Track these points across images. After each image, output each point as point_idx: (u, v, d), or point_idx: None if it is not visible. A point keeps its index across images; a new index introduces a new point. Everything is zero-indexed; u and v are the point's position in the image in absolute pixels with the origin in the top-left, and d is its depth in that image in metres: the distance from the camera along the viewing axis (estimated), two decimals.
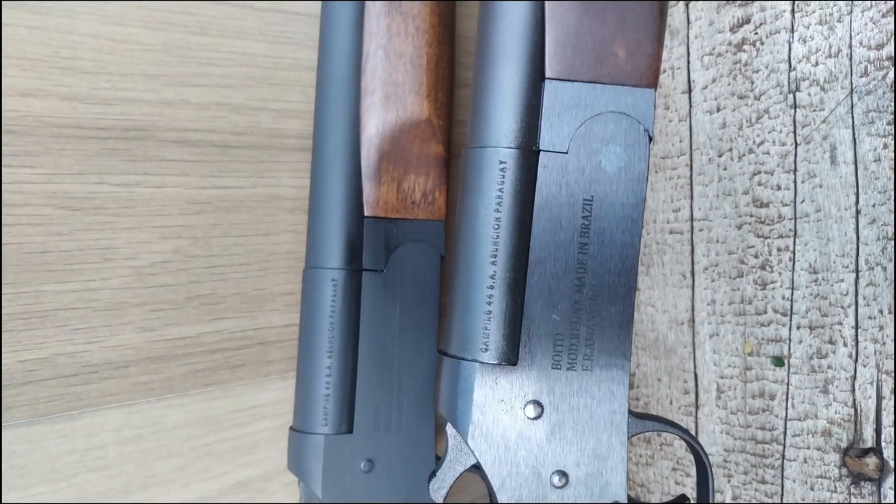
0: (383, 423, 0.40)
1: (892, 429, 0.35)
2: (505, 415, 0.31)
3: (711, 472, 0.34)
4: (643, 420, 0.32)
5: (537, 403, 0.31)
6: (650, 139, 0.30)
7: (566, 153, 0.30)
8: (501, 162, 0.30)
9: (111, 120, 0.37)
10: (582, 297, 0.31)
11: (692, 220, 0.43)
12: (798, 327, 0.38)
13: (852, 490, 0.37)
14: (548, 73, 0.30)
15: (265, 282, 0.42)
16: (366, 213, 0.40)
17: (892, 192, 0.34)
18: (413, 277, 0.41)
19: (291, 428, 0.40)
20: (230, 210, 0.41)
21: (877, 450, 0.36)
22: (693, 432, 0.43)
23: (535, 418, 0.31)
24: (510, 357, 0.31)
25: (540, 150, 0.30)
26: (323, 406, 0.39)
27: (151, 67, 0.38)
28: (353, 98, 0.40)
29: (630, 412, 0.32)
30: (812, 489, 0.38)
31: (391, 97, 0.40)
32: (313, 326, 0.39)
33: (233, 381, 0.41)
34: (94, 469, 0.37)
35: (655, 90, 0.30)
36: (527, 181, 0.31)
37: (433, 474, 0.33)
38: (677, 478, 0.43)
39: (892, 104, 0.34)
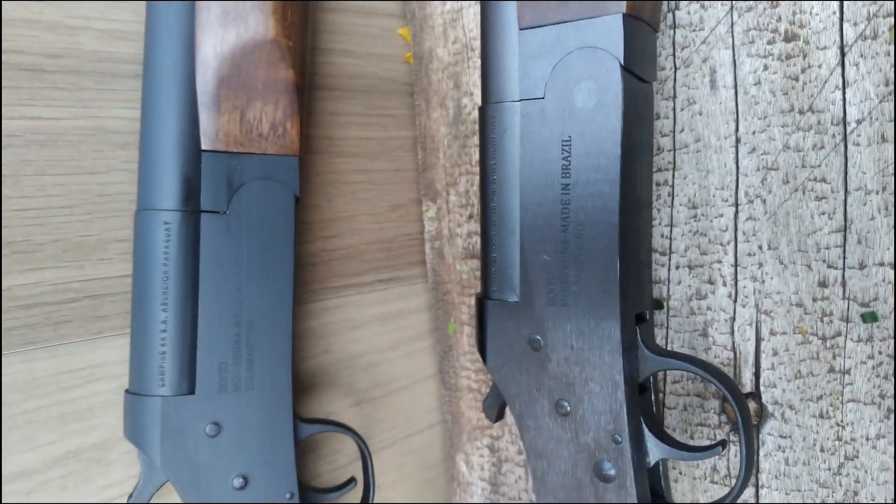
0: (231, 382, 0.36)
1: (771, 371, 0.33)
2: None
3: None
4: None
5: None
6: (623, 67, 0.29)
7: (543, 98, 0.31)
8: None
9: None
10: (567, 237, 0.31)
11: None
12: (677, 267, 0.35)
13: (731, 437, 0.35)
14: (520, 24, 0.31)
15: (92, 227, 0.37)
16: (203, 147, 0.35)
17: (773, 118, 0.31)
18: (261, 220, 0.37)
19: (126, 391, 0.35)
20: (45, 144, 0.35)
21: (756, 394, 0.33)
22: None
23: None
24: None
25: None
26: (159, 365, 0.34)
27: None
28: (185, 14, 0.35)
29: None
30: (692, 437, 0.36)
31: (230, 13, 0.35)
32: (146, 276, 0.34)
33: (56, 339, 0.36)
34: None
35: (623, 14, 0.29)
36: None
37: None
38: None
39: (773, 21, 0.31)
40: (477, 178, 0.43)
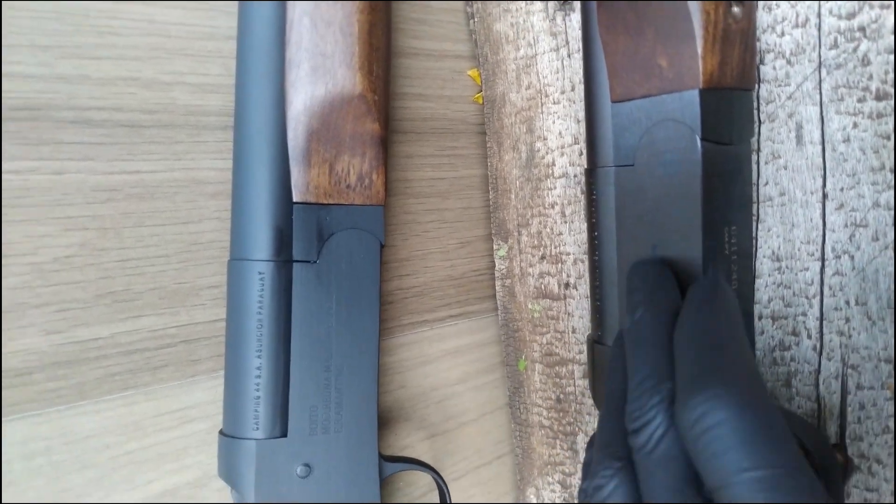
0: (321, 425, 0.37)
1: (858, 426, 0.33)
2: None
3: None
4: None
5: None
6: (701, 138, 0.31)
7: (633, 166, 0.33)
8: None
9: None
10: None
11: None
12: (760, 318, 0.35)
13: None
14: (612, 98, 0.34)
15: (187, 275, 0.38)
16: (295, 199, 0.36)
17: (862, 175, 0.32)
18: (350, 268, 0.38)
19: (221, 432, 0.37)
20: (143, 197, 0.37)
21: (841, 446, 0.34)
22: None
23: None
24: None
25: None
26: (254, 409, 0.36)
27: (42, 38, 0.33)
28: (277, 71, 0.36)
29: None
30: None
31: (319, 70, 0.36)
32: (240, 324, 0.36)
33: (155, 382, 0.37)
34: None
35: (700, 89, 0.31)
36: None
37: None
38: None
39: (863, 79, 0.31)
40: (549, 220, 0.44)
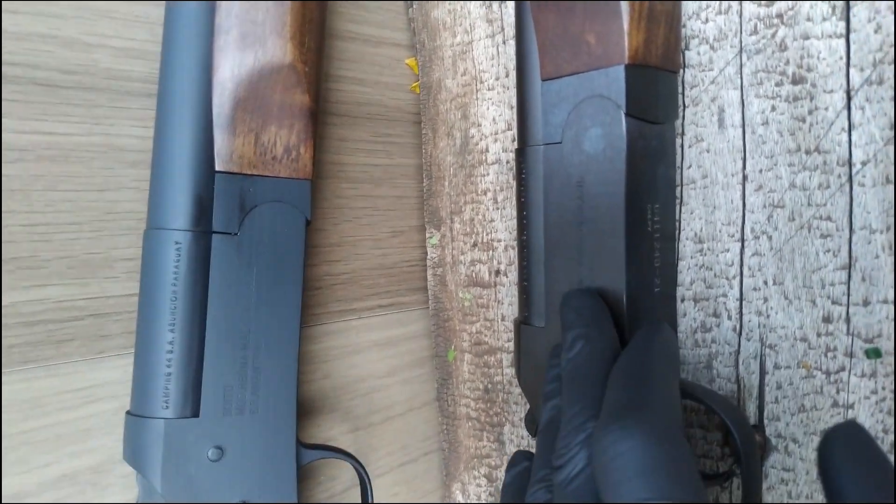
0: (235, 405, 0.36)
1: (775, 405, 0.33)
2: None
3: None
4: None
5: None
6: (626, 114, 0.31)
7: (560, 143, 0.33)
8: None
9: None
10: (582, 272, 0.33)
11: None
12: (682, 300, 0.36)
13: (735, 469, 0.35)
14: (542, 76, 0.34)
15: (100, 245, 0.36)
16: (217, 168, 0.35)
17: (780, 157, 0.33)
18: (272, 242, 0.37)
19: (128, 412, 0.35)
20: (56, 160, 0.35)
21: (759, 427, 0.34)
22: None
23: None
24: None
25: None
26: (164, 386, 0.34)
27: None
28: (204, 36, 0.35)
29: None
30: None
31: (249, 37, 0.35)
32: (153, 296, 0.34)
33: (58, 357, 0.35)
34: None
35: (626, 64, 0.31)
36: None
37: None
38: None
39: (781, 64, 0.32)
40: (482, 207, 0.43)
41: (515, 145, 0.37)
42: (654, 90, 0.32)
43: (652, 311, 0.33)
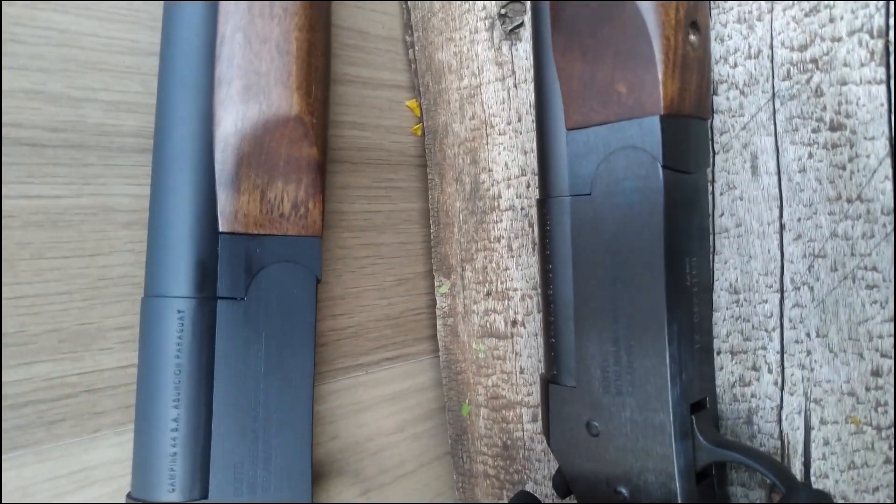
0: (246, 484, 0.33)
1: (823, 462, 0.32)
2: None
3: None
4: None
5: None
6: (662, 165, 0.30)
7: (590, 195, 0.32)
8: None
9: None
10: (618, 328, 0.31)
11: None
12: (719, 353, 0.34)
13: None
14: (567, 125, 0.32)
15: (92, 314, 0.33)
16: (221, 229, 0.32)
17: (819, 206, 0.31)
18: (281, 305, 0.34)
19: (128, 495, 0.32)
20: (44, 225, 0.32)
21: (806, 485, 0.32)
22: None
23: None
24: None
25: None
26: (169, 468, 0.31)
27: None
28: (204, 88, 0.32)
29: None
30: None
31: (252, 88, 0.33)
32: (155, 369, 0.31)
33: (49, 440, 0.32)
34: None
35: (661, 115, 0.30)
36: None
37: None
38: None
39: (817, 110, 0.31)
40: (495, 255, 0.42)
41: (537, 195, 0.35)
42: (687, 139, 0.31)
43: (693, 368, 0.31)
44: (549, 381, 0.34)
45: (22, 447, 0.31)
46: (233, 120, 0.33)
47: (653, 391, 0.30)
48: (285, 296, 0.34)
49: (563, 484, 0.36)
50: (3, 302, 0.31)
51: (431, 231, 0.45)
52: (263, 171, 0.34)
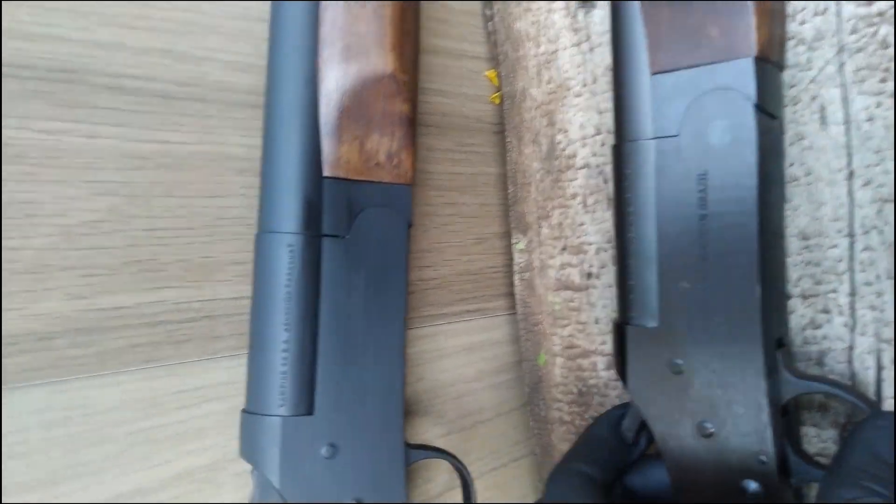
0: (347, 404, 0.36)
1: (893, 400, 0.33)
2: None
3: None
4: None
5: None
6: (755, 106, 0.31)
7: (677, 136, 0.33)
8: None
9: (35, 58, 0.32)
10: (706, 265, 0.33)
11: None
12: (790, 297, 0.36)
13: None
14: (652, 70, 0.34)
15: (213, 249, 0.38)
16: (325, 174, 0.36)
17: (888, 152, 0.33)
18: (378, 245, 0.38)
19: (244, 410, 0.36)
20: (172, 168, 0.36)
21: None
22: None
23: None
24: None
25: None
26: (280, 384, 0.35)
27: (82, 4, 0.34)
28: (310, 49, 0.36)
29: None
30: None
31: (353, 48, 0.37)
32: (268, 296, 0.35)
33: (177, 357, 0.36)
34: (13, 456, 0.32)
35: (754, 57, 0.31)
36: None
37: None
38: None
39: (884, 61, 0.33)
40: (571, 211, 0.44)
41: (613, 142, 0.37)
42: (773, 84, 0.33)
43: (777, 306, 0.33)
44: (626, 324, 0.36)
45: (153, 361, 0.36)
46: (335, 77, 0.36)
47: (742, 327, 0.32)
48: (381, 237, 0.38)
49: (632, 428, 0.38)
50: (141, 233, 0.35)
51: (509, 191, 0.48)
52: (362, 124, 0.37)
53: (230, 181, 0.38)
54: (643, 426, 0.37)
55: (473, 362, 0.49)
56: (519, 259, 0.47)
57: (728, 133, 0.32)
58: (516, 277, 0.48)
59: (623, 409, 0.38)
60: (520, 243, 0.47)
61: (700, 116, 0.32)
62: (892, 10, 0.32)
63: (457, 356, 0.48)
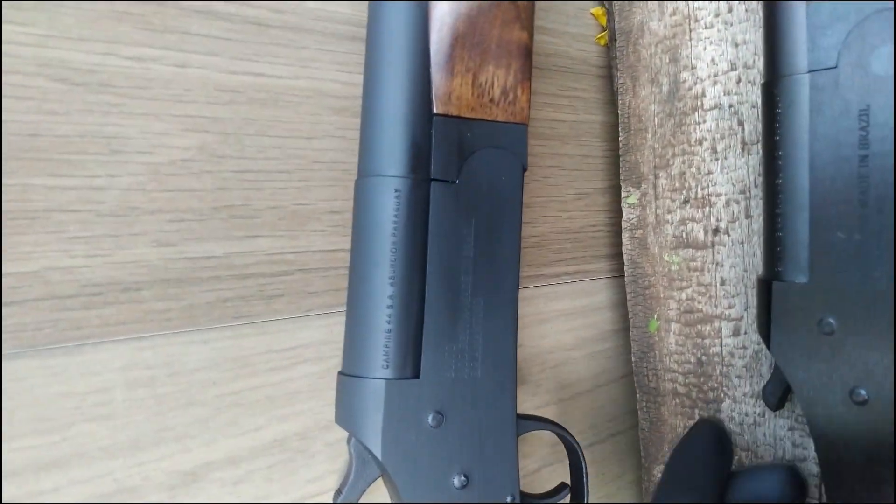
0: (455, 366, 0.33)
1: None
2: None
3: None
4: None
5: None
6: None
7: (835, 67, 0.29)
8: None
9: None
10: (866, 213, 0.29)
11: None
12: None
13: None
14: None
15: (307, 195, 0.34)
16: (435, 111, 0.32)
17: None
18: (491, 192, 0.33)
19: (341, 372, 0.32)
20: (266, 103, 0.33)
21: None
22: None
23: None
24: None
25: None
26: (384, 344, 0.31)
27: None
28: None
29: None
30: None
31: None
32: (372, 248, 0.31)
33: (267, 314, 0.33)
34: (95, 418, 0.29)
35: None
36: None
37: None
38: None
39: None
40: (696, 159, 0.39)
41: (763, 79, 0.32)
42: None
43: None
44: (772, 279, 0.32)
45: (244, 317, 0.32)
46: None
47: None
48: (494, 182, 0.33)
49: (776, 392, 0.34)
50: (231, 174, 0.32)
51: (620, 139, 0.43)
52: (476, 53, 0.33)
53: (327, 121, 0.35)
54: (786, 393, 0.34)
55: (573, 329, 0.45)
56: (629, 215, 0.43)
57: (894, 61, 0.28)
58: (625, 235, 0.43)
59: (709, 425, 0.36)
60: (631, 197, 0.43)
61: (862, 44, 0.29)
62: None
63: (556, 321, 0.44)
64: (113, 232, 0.29)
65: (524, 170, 0.34)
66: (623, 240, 0.43)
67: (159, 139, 0.30)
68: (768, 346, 0.32)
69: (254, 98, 0.32)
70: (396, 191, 0.31)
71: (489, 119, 0.34)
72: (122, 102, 0.29)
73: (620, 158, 0.43)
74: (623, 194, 0.43)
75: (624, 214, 0.43)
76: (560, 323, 0.44)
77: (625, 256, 0.43)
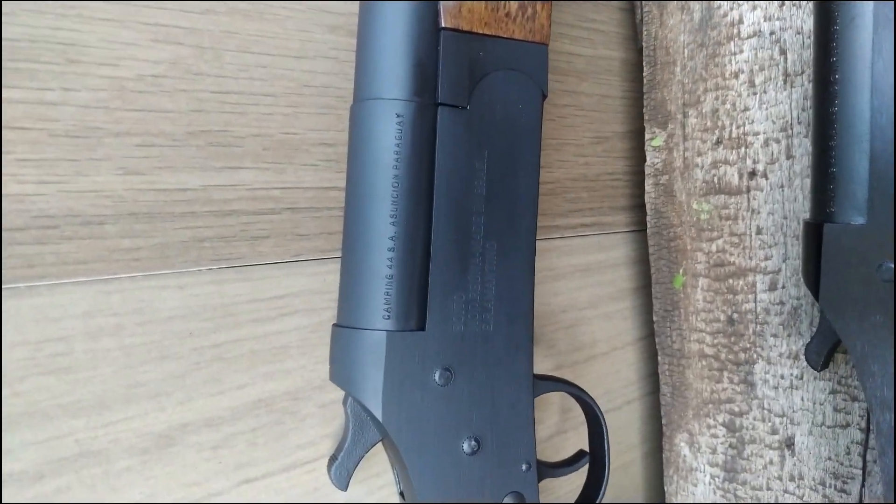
0: (466, 318, 0.29)
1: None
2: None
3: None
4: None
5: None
6: None
7: None
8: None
9: None
10: None
11: None
12: None
13: None
14: None
15: (296, 123, 0.30)
16: (443, 24, 0.28)
17: None
18: (506, 119, 0.29)
19: (336, 324, 0.28)
20: (250, 15, 0.29)
21: None
22: None
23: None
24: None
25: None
26: (385, 291, 0.27)
27: None
28: None
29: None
30: None
31: None
32: (371, 182, 0.27)
33: (252, 257, 0.29)
34: (52, 371, 0.25)
35: None
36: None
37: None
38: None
39: None
40: (731, 94, 0.35)
41: (794, 14, 0.28)
42: None
43: None
44: (823, 222, 0.28)
45: (224, 260, 0.28)
46: None
47: None
48: (510, 109, 0.29)
49: (821, 350, 0.30)
50: (210, 95, 0.28)
51: (644, 74, 0.39)
52: None
53: (319, 39, 0.30)
54: (832, 351, 0.30)
55: (588, 286, 0.41)
56: (654, 159, 0.39)
57: None
58: (649, 182, 0.39)
59: None
60: (656, 139, 0.39)
61: None
62: None
63: (570, 278, 0.40)
64: (70, 156, 0.25)
65: (544, 97, 0.30)
66: (646, 187, 0.39)
67: (125, 50, 0.26)
68: (816, 298, 0.29)
69: (234, 8, 0.28)
70: (398, 116, 0.27)
71: (505, 36, 0.29)
72: (81, 4, 0.25)
73: (645, 96, 0.39)
74: (647, 136, 0.39)
75: (647, 159, 0.39)
76: (575, 279, 0.40)
77: (647, 206, 0.39)
